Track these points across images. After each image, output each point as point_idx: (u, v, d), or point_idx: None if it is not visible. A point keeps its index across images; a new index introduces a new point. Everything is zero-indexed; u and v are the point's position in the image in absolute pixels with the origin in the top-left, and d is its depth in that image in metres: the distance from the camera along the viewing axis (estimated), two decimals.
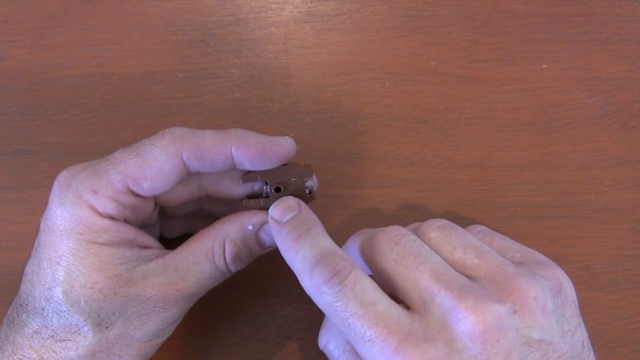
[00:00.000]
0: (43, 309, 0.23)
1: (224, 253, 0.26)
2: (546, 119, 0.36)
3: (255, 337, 0.33)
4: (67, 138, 0.34)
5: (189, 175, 0.26)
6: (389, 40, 0.36)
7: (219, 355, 0.32)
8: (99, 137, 0.34)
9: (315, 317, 0.33)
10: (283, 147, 0.25)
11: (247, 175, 0.26)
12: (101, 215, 0.23)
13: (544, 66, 0.36)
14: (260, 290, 0.33)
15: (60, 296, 0.23)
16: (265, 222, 0.26)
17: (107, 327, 0.23)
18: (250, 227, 0.26)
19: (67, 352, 0.23)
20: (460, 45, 0.36)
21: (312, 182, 0.27)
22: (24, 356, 0.23)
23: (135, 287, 0.24)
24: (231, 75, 0.35)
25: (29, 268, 0.24)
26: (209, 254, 0.25)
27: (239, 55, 0.35)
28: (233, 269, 0.26)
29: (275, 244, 0.27)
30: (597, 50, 0.37)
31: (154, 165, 0.24)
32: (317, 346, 0.33)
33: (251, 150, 0.24)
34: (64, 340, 0.23)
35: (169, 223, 0.30)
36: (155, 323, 0.24)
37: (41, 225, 0.24)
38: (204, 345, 0.32)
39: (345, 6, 0.36)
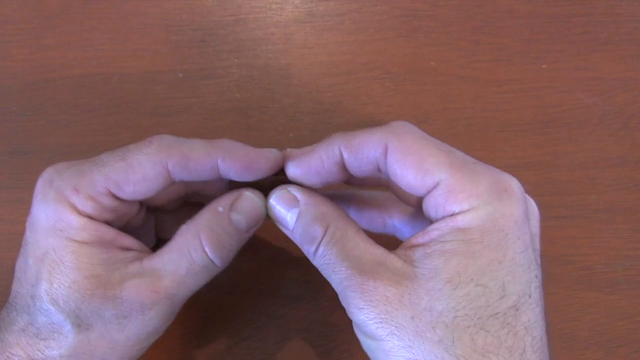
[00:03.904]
0: (29, 307, 0.23)
1: (200, 244, 0.24)
2: (546, 119, 0.36)
3: (255, 337, 0.33)
4: (67, 138, 0.34)
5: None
6: (389, 40, 0.36)
7: (218, 355, 0.32)
8: (99, 137, 0.34)
9: (315, 317, 0.33)
10: (269, 160, 0.25)
11: (233, 185, 0.26)
12: (80, 213, 0.23)
13: (544, 66, 0.36)
14: (260, 291, 0.33)
15: (42, 294, 0.23)
16: (234, 200, 0.25)
17: (87, 329, 0.23)
18: (220, 209, 0.25)
19: (51, 351, 0.23)
20: (460, 45, 0.36)
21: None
22: (12, 354, 0.23)
23: (112, 289, 0.23)
24: (231, 75, 0.35)
25: (17, 266, 0.24)
26: (184, 248, 0.24)
27: (239, 55, 0.35)
28: (216, 259, 0.25)
29: (254, 224, 0.26)
30: (597, 50, 0.37)
31: (138, 172, 0.23)
32: (317, 346, 0.33)
33: (237, 163, 0.24)
34: (47, 339, 0.23)
35: (162, 221, 0.30)
36: (135, 327, 0.24)
37: (27, 222, 0.24)
38: (203, 345, 0.32)
39: (345, 6, 0.36)
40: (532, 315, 0.21)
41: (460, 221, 0.21)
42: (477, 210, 0.21)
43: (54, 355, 0.23)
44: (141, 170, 0.23)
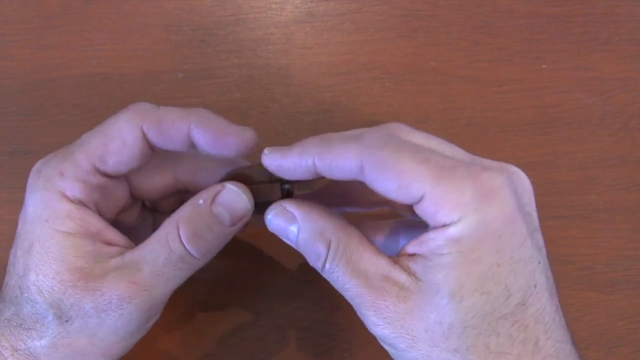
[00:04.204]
0: (17, 297, 0.23)
1: (178, 235, 0.24)
2: (546, 119, 0.36)
3: (255, 336, 0.33)
4: (67, 138, 0.34)
5: (161, 164, 0.26)
6: (389, 40, 0.36)
7: (219, 355, 0.32)
8: None
9: (315, 316, 0.33)
10: (240, 136, 0.24)
11: (227, 175, 0.26)
12: (69, 199, 0.23)
13: (544, 66, 0.36)
14: (260, 290, 0.33)
15: (30, 285, 0.23)
16: (217, 193, 0.25)
17: (67, 321, 0.23)
18: (200, 201, 0.25)
19: (32, 341, 0.23)
20: (460, 45, 0.36)
21: (288, 186, 0.26)
22: None
23: (93, 281, 0.23)
24: (231, 75, 0.35)
25: (9, 259, 0.25)
26: (163, 238, 0.24)
27: (239, 55, 0.35)
28: (194, 250, 0.24)
29: (238, 218, 0.25)
30: (597, 50, 0.37)
31: (117, 138, 0.24)
32: (317, 346, 0.33)
33: (207, 131, 0.24)
34: (30, 329, 0.23)
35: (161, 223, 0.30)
36: (114, 322, 0.23)
37: (19, 215, 0.25)
38: (204, 345, 0.32)
39: (345, 6, 0.36)
40: (539, 304, 0.22)
41: (453, 232, 0.21)
42: (467, 219, 0.21)
43: (35, 346, 0.23)
44: (119, 137, 0.24)
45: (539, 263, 0.22)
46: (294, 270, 0.33)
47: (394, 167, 0.22)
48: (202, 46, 0.35)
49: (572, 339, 0.23)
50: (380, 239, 0.29)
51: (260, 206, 0.26)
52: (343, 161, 0.23)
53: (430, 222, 0.22)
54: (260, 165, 0.25)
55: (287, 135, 0.35)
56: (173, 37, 0.35)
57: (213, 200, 0.25)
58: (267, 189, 0.26)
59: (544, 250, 0.23)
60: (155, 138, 0.24)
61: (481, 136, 0.35)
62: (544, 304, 0.22)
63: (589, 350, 0.33)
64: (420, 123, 0.35)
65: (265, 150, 0.24)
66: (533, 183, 0.34)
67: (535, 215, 0.23)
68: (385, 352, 0.27)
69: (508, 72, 0.36)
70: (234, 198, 0.25)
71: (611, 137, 0.36)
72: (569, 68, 0.36)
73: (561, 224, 0.35)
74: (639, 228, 0.35)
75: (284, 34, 0.36)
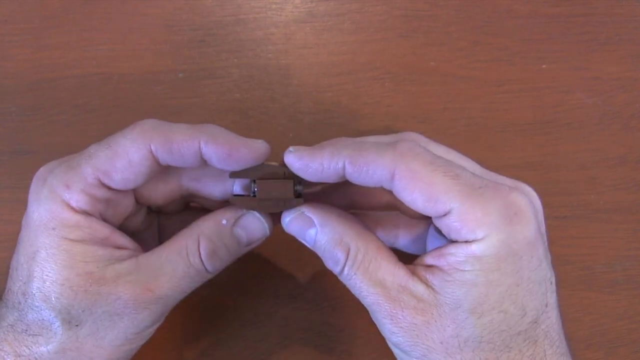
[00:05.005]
0: (20, 304, 0.23)
1: (198, 249, 0.25)
2: (546, 119, 0.36)
3: (255, 337, 0.33)
4: (67, 138, 0.34)
5: (166, 172, 0.26)
6: (389, 40, 0.36)
7: (219, 355, 0.32)
8: (99, 137, 0.34)
9: (315, 317, 0.33)
10: (252, 149, 0.24)
11: (235, 173, 0.25)
12: (74, 210, 0.23)
13: (544, 66, 0.36)
14: (261, 291, 0.33)
15: (34, 292, 0.23)
16: (240, 216, 0.26)
17: (77, 326, 0.23)
18: (224, 222, 0.25)
19: (39, 347, 0.23)
20: (460, 45, 0.36)
21: (301, 187, 0.26)
22: (1, 350, 0.23)
23: (107, 285, 0.23)
24: (231, 75, 0.35)
25: (11, 264, 0.25)
26: (183, 251, 0.25)
27: (239, 55, 0.35)
28: (209, 267, 0.25)
29: (254, 241, 0.26)
30: (597, 50, 0.37)
31: (123, 157, 0.24)
32: (317, 346, 0.33)
33: (218, 148, 0.24)
34: (36, 335, 0.23)
35: (166, 226, 0.30)
36: (125, 325, 0.24)
37: (22, 221, 0.25)
38: (204, 345, 0.32)
39: (345, 6, 0.36)
40: (549, 322, 0.23)
41: (476, 249, 0.22)
42: (491, 238, 0.22)
43: (41, 352, 0.23)
44: (126, 156, 0.24)
45: (551, 283, 0.23)
46: (293, 272, 0.33)
47: (425, 179, 0.22)
48: (202, 46, 0.35)
49: (570, 352, 0.24)
50: (379, 231, 0.29)
51: (271, 202, 0.25)
52: (376, 168, 0.23)
53: (453, 236, 0.22)
54: (267, 164, 0.25)
55: (287, 136, 0.35)
56: (173, 37, 0.35)
57: (235, 222, 0.26)
58: (278, 186, 0.25)
59: (552, 271, 0.24)
60: (165, 157, 0.24)
61: (481, 136, 0.35)
62: (553, 322, 0.23)
63: (589, 350, 0.33)
64: (420, 123, 0.35)
65: (291, 148, 0.24)
66: (533, 183, 0.35)
67: (544, 232, 0.24)
68: (384, 353, 0.27)
69: (508, 72, 0.36)
70: (255, 224, 0.26)
71: (611, 137, 0.36)
72: (569, 68, 0.36)
73: (561, 224, 0.35)
74: (639, 228, 0.35)
75: (284, 34, 0.36)
